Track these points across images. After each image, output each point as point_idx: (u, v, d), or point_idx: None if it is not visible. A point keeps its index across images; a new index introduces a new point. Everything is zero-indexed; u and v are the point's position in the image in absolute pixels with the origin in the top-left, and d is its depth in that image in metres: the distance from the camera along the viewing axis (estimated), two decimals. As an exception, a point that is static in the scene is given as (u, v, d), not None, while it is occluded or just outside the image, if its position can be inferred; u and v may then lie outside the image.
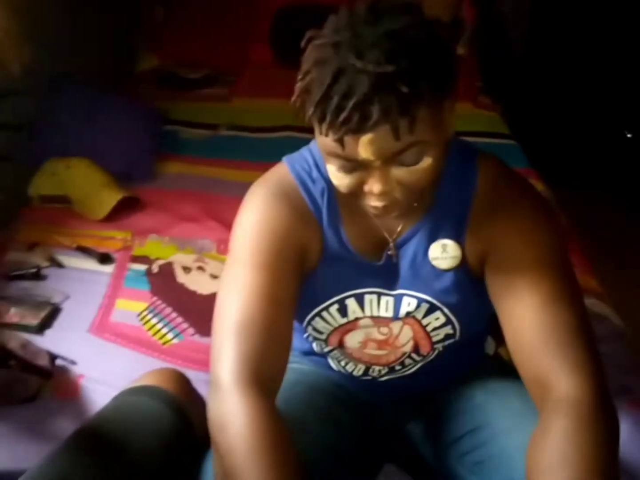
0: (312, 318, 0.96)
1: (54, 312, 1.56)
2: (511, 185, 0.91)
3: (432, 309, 0.93)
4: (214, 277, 1.70)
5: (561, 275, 0.84)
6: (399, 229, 0.92)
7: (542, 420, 0.78)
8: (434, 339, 0.97)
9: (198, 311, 1.57)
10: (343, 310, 0.95)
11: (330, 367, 1.09)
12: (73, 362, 1.40)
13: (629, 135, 3.04)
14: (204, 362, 1.21)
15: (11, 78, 1.75)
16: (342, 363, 1.06)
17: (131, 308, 1.61)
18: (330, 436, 0.99)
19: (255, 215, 0.90)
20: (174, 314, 1.60)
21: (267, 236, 0.87)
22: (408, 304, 0.93)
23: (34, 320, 1.51)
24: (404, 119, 0.70)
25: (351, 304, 0.95)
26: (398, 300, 0.94)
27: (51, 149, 2.08)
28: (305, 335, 1.02)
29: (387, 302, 0.94)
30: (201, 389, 1.08)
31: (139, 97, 2.49)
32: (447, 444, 1.02)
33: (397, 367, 1.03)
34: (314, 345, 1.05)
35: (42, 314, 1.53)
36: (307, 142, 0.98)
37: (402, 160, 0.75)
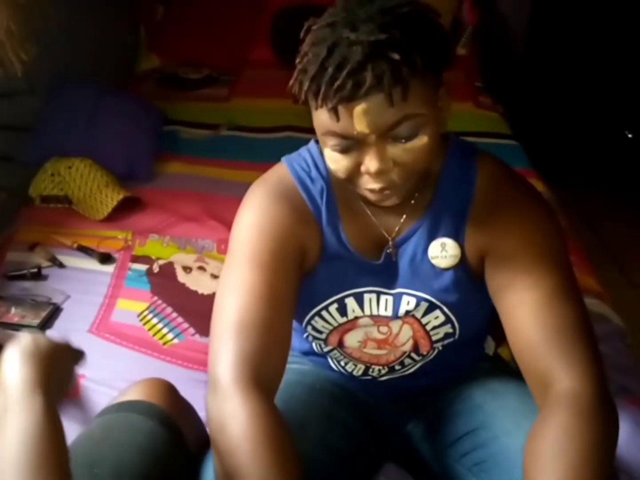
0: (312, 317, 0.96)
1: (54, 312, 1.56)
2: (510, 184, 0.91)
3: (431, 307, 0.93)
4: (215, 277, 1.70)
5: (561, 272, 0.84)
6: (397, 227, 0.92)
7: (542, 413, 0.78)
8: (434, 338, 0.97)
9: (199, 311, 1.57)
10: (342, 310, 0.95)
11: (330, 367, 1.09)
12: (73, 362, 1.40)
13: (629, 136, 3.04)
14: (204, 362, 1.21)
15: (12, 78, 1.76)
16: (342, 363, 1.06)
17: (132, 308, 1.61)
18: (330, 436, 0.99)
19: (254, 215, 0.90)
20: (174, 314, 1.60)
21: (266, 236, 0.87)
22: (407, 303, 0.93)
23: (34, 320, 1.51)
24: (397, 87, 0.72)
25: (350, 303, 0.95)
26: (397, 299, 0.94)
27: (52, 149, 2.08)
28: (305, 335, 1.02)
29: (386, 301, 0.95)
30: (201, 389, 1.08)
31: (140, 97, 2.50)
32: (447, 445, 1.02)
33: (397, 367, 1.03)
34: (314, 345, 1.05)
35: (43, 314, 1.54)
36: (307, 142, 0.99)
37: (397, 134, 0.76)
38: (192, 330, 1.55)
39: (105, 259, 1.76)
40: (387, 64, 0.71)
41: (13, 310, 1.54)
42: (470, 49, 2.87)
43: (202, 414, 1.22)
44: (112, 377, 1.35)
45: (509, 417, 0.96)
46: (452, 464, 1.01)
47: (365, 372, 1.05)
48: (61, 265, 1.75)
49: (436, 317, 0.94)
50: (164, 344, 1.51)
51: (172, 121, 2.47)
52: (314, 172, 0.93)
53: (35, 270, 1.68)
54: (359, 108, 0.73)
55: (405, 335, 0.97)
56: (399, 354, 1.00)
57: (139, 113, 2.30)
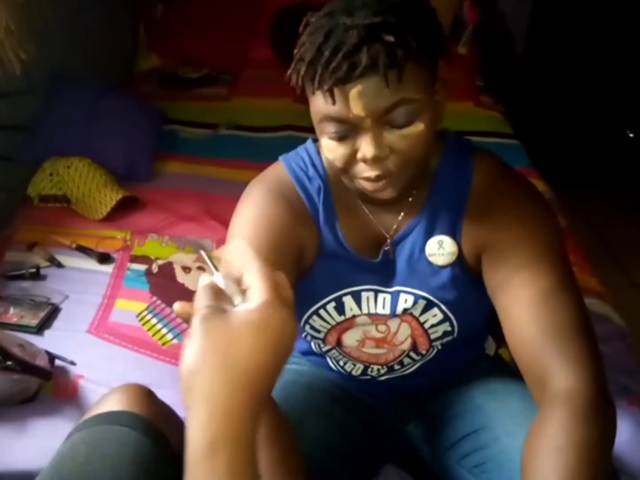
0: (310, 316, 0.96)
1: (53, 312, 1.56)
2: (507, 180, 0.91)
3: (429, 305, 0.93)
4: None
5: (559, 269, 0.84)
6: (395, 226, 0.92)
7: (540, 411, 0.78)
8: (432, 336, 0.97)
9: (198, 311, 1.56)
10: (340, 308, 0.95)
11: (329, 367, 1.08)
12: (72, 363, 1.40)
13: (630, 135, 3.04)
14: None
15: (11, 77, 1.76)
16: (341, 363, 1.06)
17: (131, 308, 1.61)
18: (329, 436, 0.99)
19: (252, 213, 0.90)
20: (173, 314, 1.60)
21: (263, 233, 0.87)
22: (405, 301, 0.93)
23: (33, 321, 1.50)
24: (392, 70, 0.72)
25: (348, 301, 0.95)
26: (395, 297, 0.94)
27: (51, 148, 2.08)
28: (304, 334, 1.02)
29: (384, 299, 0.94)
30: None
31: (139, 96, 2.49)
32: (447, 446, 1.02)
33: (396, 367, 1.02)
34: (313, 344, 1.05)
35: (42, 314, 1.53)
36: (306, 141, 0.98)
37: (392, 120, 0.76)
38: (191, 330, 1.55)
39: (104, 258, 1.76)
40: (382, 46, 0.72)
41: (11, 310, 1.53)
42: (471, 48, 2.87)
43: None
44: (111, 378, 1.34)
45: (510, 418, 0.95)
46: (453, 465, 1.01)
47: (364, 372, 1.05)
48: (60, 265, 1.74)
49: (434, 315, 0.94)
50: (163, 344, 1.51)
51: (172, 121, 2.46)
52: (311, 171, 0.93)
53: (34, 270, 1.68)
54: (355, 90, 0.73)
55: (403, 333, 0.97)
56: (398, 353, 1.00)
57: (138, 113, 2.30)
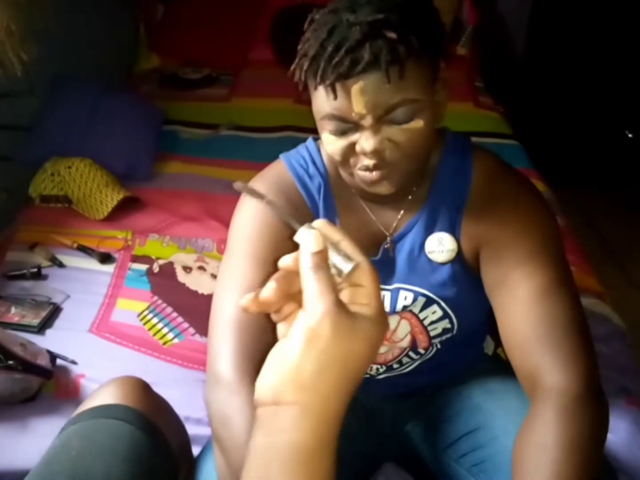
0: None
1: (54, 312, 1.56)
2: (506, 179, 0.91)
3: (428, 302, 0.93)
4: (215, 276, 1.70)
5: (555, 267, 0.84)
6: (395, 223, 0.93)
7: (530, 410, 0.79)
8: (432, 334, 0.97)
9: (199, 311, 1.57)
10: None
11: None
12: (73, 362, 1.40)
13: (629, 135, 3.04)
14: (204, 362, 1.20)
15: (12, 78, 1.76)
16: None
17: (132, 308, 1.61)
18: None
19: (253, 211, 0.90)
20: (174, 314, 1.60)
21: (264, 231, 0.88)
22: (404, 298, 0.94)
23: (34, 320, 1.51)
24: (394, 66, 0.73)
25: None
26: (394, 294, 0.94)
27: (52, 148, 2.08)
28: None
29: (383, 296, 0.94)
30: (201, 389, 1.08)
31: (140, 97, 2.50)
32: (446, 445, 1.02)
33: (395, 366, 1.03)
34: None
35: (43, 313, 1.54)
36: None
37: (393, 118, 0.77)
38: (192, 330, 1.55)
39: (105, 258, 1.77)
40: (384, 43, 0.72)
41: (13, 310, 1.54)
42: (471, 49, 2.88)
43: (202, 413, 1.23)
44: (112, 377, 1.34)
45: (508, 417, 0.95)
46: (451, 464, 1.01)
47: (363, 371, 1.05)
48: (61, 265, 1.75)
49: (434, 312, 0.94)
50: (164, 343, 1.51)
51: (172, 121, 2.47)
52: (311, 169, 0.94)
53: (35, 270, 1.68)
54: (357, 86, 0.74)
55: (403, 330, 0.97)
56: (397, 352, 1.00)
57: (138, 113, 2.30)
